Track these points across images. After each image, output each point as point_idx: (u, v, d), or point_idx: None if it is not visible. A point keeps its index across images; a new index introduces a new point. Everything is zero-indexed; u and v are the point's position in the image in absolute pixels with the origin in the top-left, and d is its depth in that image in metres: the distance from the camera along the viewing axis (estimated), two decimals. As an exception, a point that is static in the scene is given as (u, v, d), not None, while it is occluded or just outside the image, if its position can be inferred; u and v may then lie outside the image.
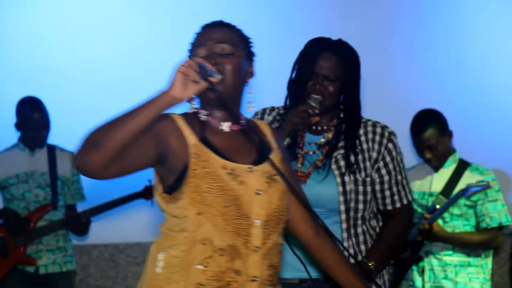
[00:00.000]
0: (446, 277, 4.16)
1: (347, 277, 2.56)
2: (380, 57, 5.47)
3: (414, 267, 4.17)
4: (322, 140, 2.95)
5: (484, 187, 3.96)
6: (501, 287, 5.33)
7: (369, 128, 2.95)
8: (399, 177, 2.96)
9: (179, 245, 2.32)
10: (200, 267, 2.28)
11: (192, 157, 2.28)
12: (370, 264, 2.87)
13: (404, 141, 4.62)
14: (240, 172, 2.34)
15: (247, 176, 2.34)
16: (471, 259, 4.16)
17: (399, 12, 5.62)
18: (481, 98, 5.36)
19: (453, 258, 4.15)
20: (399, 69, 5.55)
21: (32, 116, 4.31)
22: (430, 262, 4.15)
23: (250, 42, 2.46)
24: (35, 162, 4.39)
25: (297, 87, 2.94)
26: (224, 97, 2.29)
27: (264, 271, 2.35)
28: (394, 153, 2.94)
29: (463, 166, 4.26)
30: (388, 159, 2.93)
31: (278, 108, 3.02)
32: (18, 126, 4.41)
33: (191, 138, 2.32)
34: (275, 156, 2.43)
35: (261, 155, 2.39)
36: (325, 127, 2.98)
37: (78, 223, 4.28)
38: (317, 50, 2.93)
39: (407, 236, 3.15)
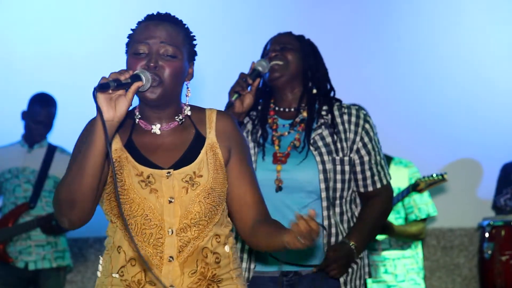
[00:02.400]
0: (386, 272, 4.17)
1: (280, 229, 2.35)
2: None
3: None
4: (297, 119, 2.91)
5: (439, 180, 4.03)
6: (470, 280, 5.35)
7: (344, 110, 2.91)
8: (378, 158, 2.93)
9: (107, 251, 2.30)
10: (116, 275, 2.25)
11: (115, 163, 2.25)
12: (351, 244, 2.82)
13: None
14: (155, 179, 2.23)
15: (162, 183, 2.23)
16: (405, 252, 4.20)
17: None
18: (456, 98, 5.33)
19: (390, 252, 4.18)
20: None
21: (38, 108, 4.31)
22: (371, 258, 4.16)
23: (195, 42, 2.31)
24: (29, 159, 4.42)
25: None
26: (159, 100, 2.18)
27: (185, 279, 2.26)
28: (371, 134, 2.92)
29: (387, 160, 4.25)
30: (366, 139, 2.90)
31: None
32: (23, 114, 4.47)
33: (116, 143, 2.26)
34: (210, 150, 2.30)
35: (191, 153, 2.29)
36: (294, 109, 2.95)
37: (48, 225, 4.23)
38: (270, 39, 2.97)
39: (387, 217, 3.08)
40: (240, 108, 2.84)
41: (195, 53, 2.30)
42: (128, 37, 2.28)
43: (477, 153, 5.34)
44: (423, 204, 4.21)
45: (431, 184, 4.07)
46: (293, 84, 2.93)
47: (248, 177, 2.36)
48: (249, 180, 2.37)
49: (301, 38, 3.00)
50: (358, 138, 2.89)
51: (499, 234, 4.45)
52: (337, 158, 2.86)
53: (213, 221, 2.28)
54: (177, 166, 2.24)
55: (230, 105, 2.83)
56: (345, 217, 2.90)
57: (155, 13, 2.28)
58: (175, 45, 2.19)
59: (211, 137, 2.30)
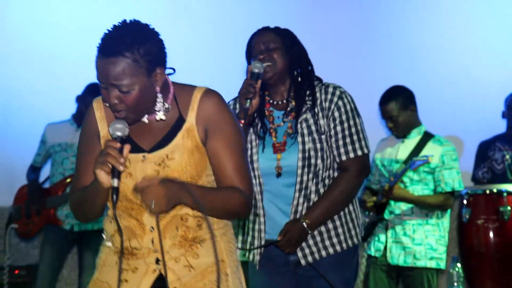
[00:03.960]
0: (405, 234, 4.26)
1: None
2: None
3: (380, 225, 4.33)
4: (288, 109, 2.99)
5: (424, 161, 4.10)
6: (450, 241, 5.08)
7: (323, 90, 2.97)
8: (352, 130, 2.95)
9: (104, 220, 2.44)
10: (109, 243, 2.37)
11: (103, 147, 2.24)
12: (303, 222, 2.89)
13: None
14: (131, 163, 2.27)
15: (136, 167, 2.26)
16: (428, 219, 4.27)
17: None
18: (447, 82, 5.49)
19: (411, 218, 4.26)
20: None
21: (89, 97, 4.45)
22: (393, 221, 4.26)
23: (148, 55, 2.18)
24: (77, 136, 4.63)
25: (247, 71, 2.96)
26: (134, 122, 2.22)
27: (167, 242, 2.29)
28: (343, 109, 2.94)
29: (427, 137, 4.34)
30: (337, 114, 2.93)
31: None
32: (77, 98, 4.69)
33: (103, 129, 2.30)
34: (186, 132, 2.29)
35: (168, 137, 2.28)
36: (287, 100, 3.02)
37: None
38: (251, 36, 3.00)
39: (353, 193, 3.05)
40: (252, 110, 2.88)
41: (152, 64, 2.17)
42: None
43: (459, 132, 5.41)
44: (450, 179, 4.26)
45: (420, 164, 4.13)
46: (283, 78, 2.98)
47: (224, 157, 2.30)
48: (225, 160, 2.30)
49: (280, 32, 3.01)
50: (330, 113, 2.93)
51: (475, 201, 4.62)
52: (316, 137, 2.92)
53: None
54: (153, 149, 2.24)
55: (245, 111, 2.85)
56: (320, 192, 2.95)
57: (101, 45, 2.14)
58: (128, 77, 2.12)
59: (190, 120, 2.26)
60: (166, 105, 2.22)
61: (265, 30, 2.99)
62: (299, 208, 2.91)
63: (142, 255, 2.29)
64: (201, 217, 2.29)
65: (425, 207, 4.24)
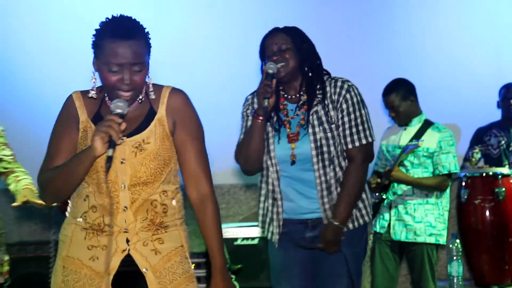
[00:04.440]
0: (406, 213, 4.34)
1: (211, 246, 2.51)
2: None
3: (384, 204, 4.40)
4: (301, 102, 3.04)
5: (415, 145, 4.16)
6: (450, 219, 4.91)
7: (333, 84, 3.02)
8: (358, 120, 2.99)
9: (73, 198, 2.44)
10: (80, 220, 2.39)
11: (80, 132, 2.38)
12: (336, 223, 2.97)
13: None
14: None
15: (116, 149, 2.33)
16: (428, 199, 4.35)
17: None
18: (447, 74, 5.58)
19: (412, 198, 4.34)
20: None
21: None
22: (396, 201, 4.35)
23: (149, 39, 2.38)
24: None
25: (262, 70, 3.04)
26: (131, 100, 2.33)
27: (137, 224, 2.38)
28: (350, 102, 2.98)
29: (427, 125, 4.40)
30: (344, 105, 2.98)
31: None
32: None
33: (82, 115, 2.39)
34: (158, 122, 2.42)
35: (143, 124, 2.40)
36: (299, 94, 3.06)
37: None
38: (264, 37, 3.05)
39: (364, 180, 3.11)
40: (269, 107, 2.95)
41: (149, 48, 2.37)
42: (96, 43, 2.32)
43: (458, 120, 5.48)
44: (446, 162, 4.33)
45: (412, 148, 4.20)
46: (295, 75, 3.02)
47: (188, 146, 2.42)
48: (189, 149, 2.43)
49: (289, 32, 3.04)
50: (339, 105, 2.98)
51: (473, 183, 4.74)
52: (327, 127, 2.98)
53: (159, 180, 2.40)
54: (130, 134, 2.35)
55: (265, 109, 2.93)
56: (338, 176, 3.01)
57: (118, 29, 2.29)
58: (141, 61, 2.29)
59: (161, 111, 2.39)
60: (140, 96, 2.37)
61: (276, 31, 3.03)
62: (324, 193, 2.99)
63: (112, 234, 2.36)
64: (166, 205, 2.42)
65: (422, 188, 4.33)
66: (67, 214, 2.46)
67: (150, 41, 2.33)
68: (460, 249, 4.33)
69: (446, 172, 4.32)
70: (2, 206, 5.07)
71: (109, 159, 2.22)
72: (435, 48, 5.66)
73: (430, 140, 4.33)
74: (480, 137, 5.09)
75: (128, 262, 2.36)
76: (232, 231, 5.12)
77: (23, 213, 5.71)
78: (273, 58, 2.94)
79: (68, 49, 5.51)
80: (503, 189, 4.65)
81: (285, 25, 3.04)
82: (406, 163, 4.35)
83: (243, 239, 5.12)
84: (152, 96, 2.40)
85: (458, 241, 4.31)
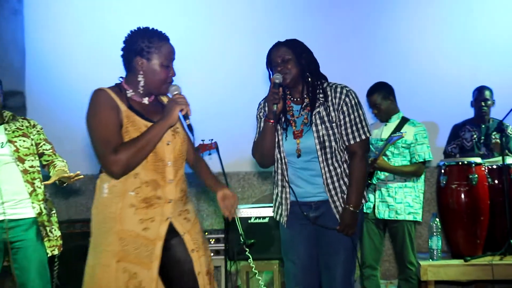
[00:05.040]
0: (389, 195, 4.53)
1: (210, 181, 2.86)
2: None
3: (370, 188, 4.51)
4: (304, 104, 3.10)
5: (400, 136, 4.32)
6: (431, 201, 5.70)
7: (333, 89, 3.08)
8: (357, 119, 3.05)
9: (119, 180, 2.59)
10: (132, 193, 2.55)
11: (124, 119, 2.55)
12: (351, 208, 3.05)
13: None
14: None
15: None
16: (406, 183, 4.53)
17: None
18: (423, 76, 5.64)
19: (394, 183, 4.53)
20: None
21: None
22: (379, 185, 4.50)
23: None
24: None
25: (269, 77, 3.14)
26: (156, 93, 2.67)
27: (177, 194, 2.61)
28: (349, 104, 3.04)
29: (404, 121, 4.59)
30: (345, 108, 3.04)
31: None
32: None
33: (122, 106, 2.58)
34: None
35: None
36: (302, 97, 3.12)
37: None
38: (270, 50, 3.13)
39: (367, 170, 3.18)
40: (278, 111, 3.03)
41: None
42: (149, 46, 2.56)
43: (435, 117, 5.64)
44: (421, 152, 4.51)
45: (396, 139, 4.33)
46: (298, 81, 3.09)
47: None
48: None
49: (290, 44, 3.08)
50: (340, 107, 3.04)
51: (450, 170, 4.78)
52: (329, 125, 3.04)
53: (185, 157, 2.71)
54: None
55: (274, 113, 3.01)
56: (339, 165, 3.07)
57: (164, 35, 2.64)
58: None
59: None
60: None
61: (278, 45, 3.09)
62: (329, 181, 3.07)
63: (159, 206, 2.56)
64: (185, 178, 2.73)
65: (402, 175, 4.47)
66: (104, 195, 2.57)
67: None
68: (439, 226, 4.76)
69: (421, 160, 4.49)
70: (51, 190, 5.20)
71: (190, 126, 2.53)
72: (416, 54, 5.69)
73: (407, 133, 4.49)
74: (456, 132, 5.18)
75: (170, 229, 2.63)
76: (247, 211, 5.20)
77: (71, 195, 5.86)
78: (278, 69, 3.02)
79: (98, 56, 5.54)
80: (476, 175, 4.67)
81: (287, 38, 3.14)
82: (388, 153, 4.51)
83: (256, 218, 5.17)
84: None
85: (437, 219, 4.76)
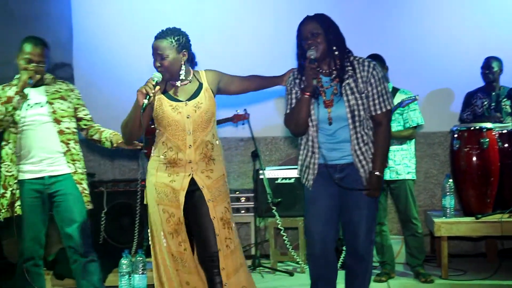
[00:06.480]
0: (389, 158, 4.36)
1: (267, 81, 3.26)
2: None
3: None
4: (333, 76, 3.08)
5: (412, 99, 4.41)
6: (444, 163, 5.76)
7: (361, 63, 3.07)
8: (383, 91, 3.06)
9: (156, 144, 3.13)
10: (162, 156, 3.08)
11: (156, 101, 3.06)
12: (376, 173, 3.05)
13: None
14: (179, 106, 3.05)
15: (183, 108, 3.04)
16: (403, 146, 4.62)
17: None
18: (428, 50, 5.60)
19: (392, 146, 4.53)
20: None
21: None
22: None
23: (182, 41, 3.01)
24: None
25: (299, 51, 3.13)
26: (166, 79, 3.04)
27: (196, 157, 3.05)
28: (377, 77, 3.04)
29: (395, 90, 4.64)
30: (372, 80, 3.04)
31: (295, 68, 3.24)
32: None
33: (158, 93, 3.06)
34: (205, 90, 3.10)
35: (196, 93, 3.10)
36: (330, 69, 3.10)
37: None
38: (300, 24, 3.11)
39: (390, 138, 3.16)
40: (317, 85, 3.05)
41: (184, 47, 3.03)
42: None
43: (451, 84, 5.66)
44: (414, 117, 4.58)
45: (409, 102, 4.40)
46: (326, 54, 3.07)
47: (233, 76, 3.21)
48: (235, 77, 3.22)
49: (319, 19, 3.07)
50: (368, 79, 3.04)
51: (463, 135, 4.80)
52: (358, 96, 3.04)
53: (208, 126, 3.06)
54: (190, 99, 3.05)
55: (315, 87, 3.00)
56: (366, 133, 3.07)
57: (159, 32, 3.02)
58: (166, 53, 2.97)
59: (205, 84, 3.11)
60: (190, 78, 3.11)
61: (308, 19, 3.09)
62: (356, 147, 3.07)
63: (182, 165, 3.03)
64: (213, 144, 3.10)
65: (399, 139, 4.54)
66: (152, 155, 3.12)
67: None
68: (452, 187, 4.83)
69: (414, 124, 4.57)
70: (88, 151, 5.37)
71: (144, 106, 2.87)
72: (432, 24, 5.68)
73: (398, 100, 4.51)
74: (468, 100, 5.21)
75: (192, 182, 3.07)
76: (274, 172, 5.25)
77: (116, 157, 5.94)
78: (308, 42, 3.04)
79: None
80: (487, 139, 4.71)
81: (315, 13, 3.14)
82: None
83: (282, 178, 5.20)
84: (196, 76, 3.13)
85: (450, 180, 4.83)
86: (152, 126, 3.34)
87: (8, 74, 5.78)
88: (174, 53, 2.99)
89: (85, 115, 3.85)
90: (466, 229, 4.72)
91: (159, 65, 2.98)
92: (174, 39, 3.01)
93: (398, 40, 5.65)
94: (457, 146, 4.82)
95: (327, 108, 3.07)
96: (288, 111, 3.20)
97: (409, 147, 4.68)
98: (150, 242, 3.21)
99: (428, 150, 5.88)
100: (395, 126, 4.61)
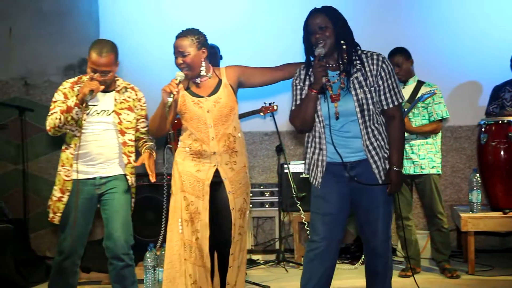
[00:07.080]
0: (412, 152, 4.59)
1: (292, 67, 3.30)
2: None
3: None
4: (340, 70, 3.04)
5: (432, 94, 4.38)
6: (471, 158, 5.74)
7: (370, 56, 3.03)
8: (394, 85, 3.02)
9: (182, 137, 3.28)
10: (187, 149, 3.25)
11: (179, 98, 3.20)
12: (395, 168, 3.00)
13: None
14: (200, 101, 3.22)
15: (203, 103, 3.21)
16: (427, 140, 4.60)
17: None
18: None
19: (416, 141, 4.58)
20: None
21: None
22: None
23: (201, 39, 3.18)
24: None
25: (306, 45, 3.08)
26: (189, 76, 3.18)
27: (220, 148, 3.21)
28: (387, 70, 3.00)
29: (420, 83, 4.63)
30: (383, 73, 3.00)
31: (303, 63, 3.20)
32: None
33: (182, 90, 3.23)
34: (224, 86, 3.24)
35: (216, 89, 3.24)
36: (338, 63, 3.05)
37: None
38: (307, 17, 3.06)
39: (404, 131, 3.12)
40: (325, 81, 3.00)
41: (203, 45, 3.19)
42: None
43: (479, 77, 5.62)
44: (439, 110, 4.57)
45: (428, 97, 4.40)
46: (335, 48, 3.03)
47: (257, 69, 3.30)
48: (258, 69, 3.30)
49: (327, 12, 3.02)
50: (378, 73, 2.99)
51: (490, 128, 4.80)
52: (367, 89, 2.99)
53: (229, 119, 3.21)
54: (210, 95, 3.22)
55: (324, 84, 2.96)
56: (376, 128, 3.02)
57: (180, 32, 3.18)
58: (188, 51, 3.15)
59: (224, 80, 3.26)
60: (209, 74, 3.26)
61: (316, 12, 3.04)
62: (367, 142, 3.01)
63: (207, 156, 3.20)
64: (235, 137, 3.24)
65: (423, 134, 4.54)
66: (179, 147, 3.27)
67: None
68: (479, 181, 4.81)
69: (439, 118, 4.57)
70: None
71: (169, 103, 3.01)
72: (460, 17, 5.65)
73: (423, 92, 4.50)
74: (496, 93, 5.14)
75: (216, 174, 3.24)
76: (298, 167, 5.20)
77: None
78: (316, 36, 2.99)
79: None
80: None
81: (323, 5, 3.10)
82: (409, 113, 4.56)
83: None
84: (216, 72, 3.28)
85: (477, 174, 4.82)
86: (175, 121, 3.43)
87: (36, 70, 5.83)
88: (194, 50, 3.15)
89: (142, 127, 3.75)
90: (493, 224, 4.69)
91: (181, 62, 3.12)
92: (194, 37, 3.16)
93: (425, 33, 5.67)
94: (484, 140, 4.81)
95: (333, 103, 3.02)
96: (293, 108, 3.15)
97: (435, 141, 4.66)
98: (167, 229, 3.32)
99: (454, 144, 5.87)
100: (420, 120, 4.63)
